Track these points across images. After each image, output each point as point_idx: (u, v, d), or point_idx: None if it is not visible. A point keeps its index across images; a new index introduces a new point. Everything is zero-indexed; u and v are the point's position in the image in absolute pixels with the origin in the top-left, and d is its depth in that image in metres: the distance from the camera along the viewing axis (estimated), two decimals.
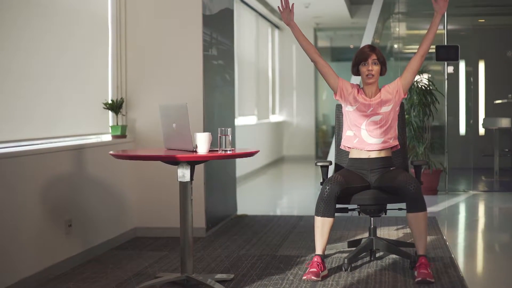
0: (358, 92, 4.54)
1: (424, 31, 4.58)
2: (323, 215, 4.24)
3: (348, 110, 4.56)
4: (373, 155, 4.49)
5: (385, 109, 4.48)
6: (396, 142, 4.56)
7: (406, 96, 4.61)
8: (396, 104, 4.53)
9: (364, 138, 4.49)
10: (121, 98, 5.61)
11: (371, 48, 4.52)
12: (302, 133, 14.73)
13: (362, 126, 4.49)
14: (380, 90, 4.54)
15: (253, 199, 8.48)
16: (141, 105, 5.73)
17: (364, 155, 4.51)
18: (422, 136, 8.27)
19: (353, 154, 4.56)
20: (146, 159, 4.08)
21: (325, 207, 4.24)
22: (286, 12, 4.59)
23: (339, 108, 4.80)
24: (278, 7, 4.66)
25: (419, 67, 4.58)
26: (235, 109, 7.63)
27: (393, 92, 4.51)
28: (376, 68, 4.48)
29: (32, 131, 4.49)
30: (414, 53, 4.58)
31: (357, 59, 4.52)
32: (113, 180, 5.39)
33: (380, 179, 4.44)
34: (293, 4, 4.63)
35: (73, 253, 4.70)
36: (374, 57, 4.48)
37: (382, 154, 4.50)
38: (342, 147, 4.65)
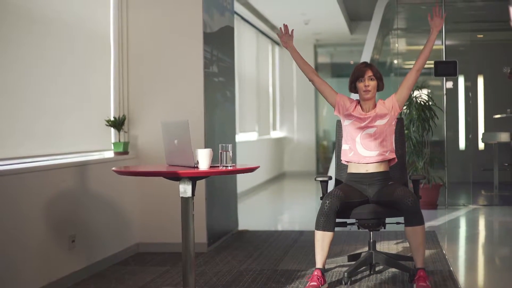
0: (355, 107, 4.62)
1: (423, 47, 4.64)
2: (323, 229, 4.29)
3: (345, 125, 4.64)
4: (371, 169, 4.54)
5: (379, 122, 4.55)
6: (393, 155, 4.62)
7: (401, 110, 4.69)
8: (392, 118, 4.59)
9: (359, 151, 4.56)
10: (123, 115, 5.68)
11: (367, 64, 4.63)
12: (303, 149, 14.78)
13: (357, 139, 4.56)
14: (376, 104, 4.62)
15: (254, 214, 8.52)
16: (143, 122, 5.80)
17: (362, 169, 4.56)
18: (422, 151, 8.32)
19: (351, 169, 4.62)
20: (148, 175, 4.13)
21: (325, 221, 4.29)
22: (286, 37, 4.76)
23: (339, 123, 4.87)
24: (278, 34, 4.83)
25: (414, 82, 4.66)
26: (236, 125, 7.70)
27: (389, 107, 4.58)
28: (372, 84, 4.57)
29: (35, 148, 4.55)
30: None
31: (353, 76, 4.61)
32: (115, 196, 5.45)
33: (379, 193, 4.49)
34: (292, 29, 4.80)
35: (76, 268, 4.75)
36: (370, 73, 4.57)
37: (380, 169, 4.55)
38: (342, 160, 4.73)
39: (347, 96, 4.72)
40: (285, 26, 4.79)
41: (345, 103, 4.65)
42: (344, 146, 4.66)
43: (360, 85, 4.57)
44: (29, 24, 4.50)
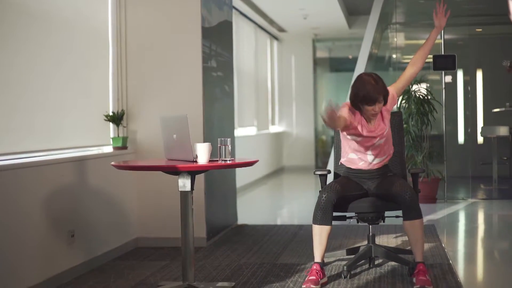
0: (360, 123, 4.40)
1: (422, 41, 4.61)
2: (321, 223, 4.29)
3: (351, 139, 4.47)
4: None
5: (386, 130, 4.47)
6: (393, 149, 4.62)
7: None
8: (390, 114, 4.56)
9: (370, 160, 4.50)
10: (122, 110, 5.67)
11: (377, 87, 4.29)
12: (301, 144, 14.78)
13: (368, 152, 4.49)
14: (381, 113, 4.45)
15: (253, 208, 8.53)
16: (141, 117, 5.80)
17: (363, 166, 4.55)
18: (421, 145, 8.32)
19: (352, 166, 4.59)
20: (147, 169, 4.13)
21: (322, 215, 4.28)
22: (331, 120, 4.04)
23: None
24: (323, 117, 4.00)
25: (413, 79, 4.64)
26: (235, 120, 7.69)
27: (390, 106, 4.51)
28: (381, 106, 4.37)
29: (34, 143, 4.55)
30: None
31: (361, 99, 4.31)
32: (114, 191, 5.45)
33: (378, 186, 4.49)
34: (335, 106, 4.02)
35: (75, 263, 4.75)
36: (380, 98, 4.32)
37: (381, 164, 4.55)
38: (343, 163, 4.66)
39: (347, 109, 4.38)
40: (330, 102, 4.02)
41: (352, 121, 4.37)
42: (352, 155, 4.54)
43: (369, 108, 4.33)
44: (28, 20, 4.49)
